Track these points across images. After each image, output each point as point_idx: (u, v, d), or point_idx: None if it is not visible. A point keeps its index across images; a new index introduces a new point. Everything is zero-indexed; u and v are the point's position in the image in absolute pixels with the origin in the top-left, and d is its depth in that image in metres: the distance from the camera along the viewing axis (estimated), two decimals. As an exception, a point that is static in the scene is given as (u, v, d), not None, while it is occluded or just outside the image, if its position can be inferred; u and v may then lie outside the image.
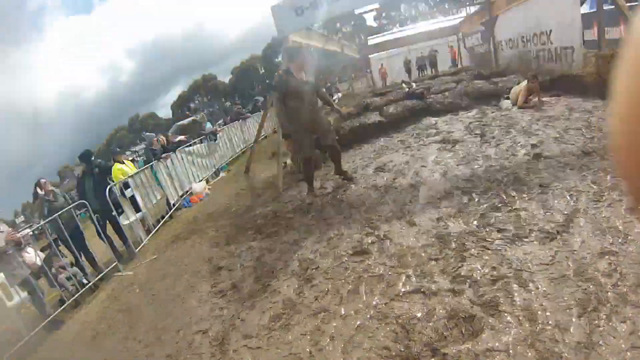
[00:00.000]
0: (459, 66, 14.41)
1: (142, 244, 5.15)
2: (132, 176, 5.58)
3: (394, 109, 6.39)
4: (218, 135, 9.73)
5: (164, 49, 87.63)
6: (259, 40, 62.22)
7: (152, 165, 6.36)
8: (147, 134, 7.98)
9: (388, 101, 8.29)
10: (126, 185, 5.50)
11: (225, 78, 59.98)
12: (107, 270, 4.51)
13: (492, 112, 5.70)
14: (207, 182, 7.83)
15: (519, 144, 3.98)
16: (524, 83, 5.53)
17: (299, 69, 3.98)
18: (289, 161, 6.08)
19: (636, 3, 11.93)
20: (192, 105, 60.31)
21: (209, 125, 11.40)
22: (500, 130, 4.68)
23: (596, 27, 13.00)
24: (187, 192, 6.99)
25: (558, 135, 3.93)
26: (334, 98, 17.82)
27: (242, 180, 6.95)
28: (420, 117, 6.29)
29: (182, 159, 7.37)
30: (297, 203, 4.31)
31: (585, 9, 7.89)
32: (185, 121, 32.45)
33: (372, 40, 17.96)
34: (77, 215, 4.80)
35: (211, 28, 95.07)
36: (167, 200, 6.47)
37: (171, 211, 6.28)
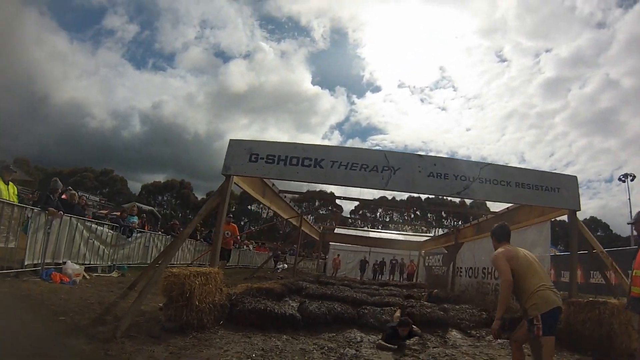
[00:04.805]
0: (414, 281, 14.01)
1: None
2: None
3: (317, 307, 4.92)
4: (136, 232, 8.43)
5: (176, 133, 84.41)
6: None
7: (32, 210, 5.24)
8: (57, 180, 6.36)
9: (328, 294, 6.86)
10: None
11: (201, 194, 58.98)
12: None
13: (434, 347, 4.26)
14: (87, 271, 6.25)
15: None
16: None
17: None
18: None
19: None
20: (159, 197, 57.95)
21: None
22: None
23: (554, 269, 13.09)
24: (57, 264, 5.64)
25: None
26: (277, 267, 16.44)
27: (117, 292, 5.11)
28: (345, 327, 4.75)
29: (76, 228, 6.14)
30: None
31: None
32: (147, 207, 29.36)
33: (339, 230, 17.89)
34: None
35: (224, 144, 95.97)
36: (25, 258, 5.05)
37: (20, 269, 4.99)
